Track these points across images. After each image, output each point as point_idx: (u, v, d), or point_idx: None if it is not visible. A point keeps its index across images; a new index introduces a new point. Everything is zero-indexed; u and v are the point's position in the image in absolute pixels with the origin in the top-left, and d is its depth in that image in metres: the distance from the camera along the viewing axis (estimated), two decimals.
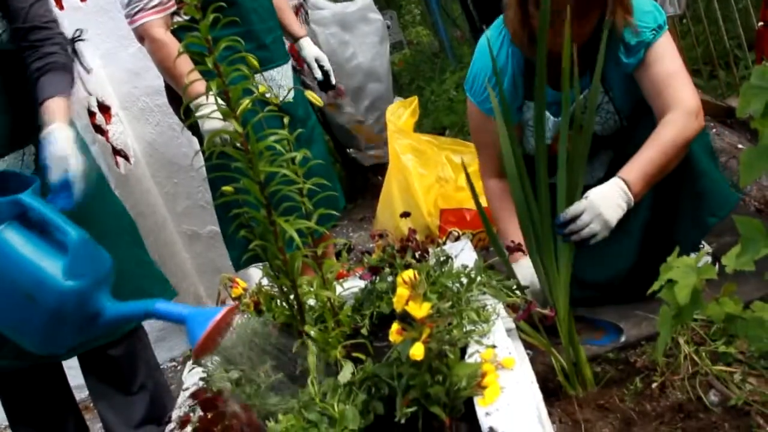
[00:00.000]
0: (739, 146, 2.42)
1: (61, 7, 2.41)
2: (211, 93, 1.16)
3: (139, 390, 1.85)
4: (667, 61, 1.64)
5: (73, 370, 1.89)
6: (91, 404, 2.39)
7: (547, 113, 1.76)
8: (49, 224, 1.24)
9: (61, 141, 1.42)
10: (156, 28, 1.92)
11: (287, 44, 2.39)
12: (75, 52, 2.13)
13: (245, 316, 1.36)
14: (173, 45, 1.91)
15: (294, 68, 2.31)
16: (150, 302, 1.24)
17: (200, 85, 1.55)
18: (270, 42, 2.09)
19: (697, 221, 1.71)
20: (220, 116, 1.19)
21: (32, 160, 1.60)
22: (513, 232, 1.66)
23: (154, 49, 1.94)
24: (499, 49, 1.75)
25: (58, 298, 1.20)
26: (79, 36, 2.08)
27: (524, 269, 1.62)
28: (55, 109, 1.48)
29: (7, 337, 1.61)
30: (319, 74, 2.37)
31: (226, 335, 1.20)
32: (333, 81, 2.43)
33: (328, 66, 2.40)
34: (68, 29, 2.39)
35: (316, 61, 2.38)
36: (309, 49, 2.38)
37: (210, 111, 1.20)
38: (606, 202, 1.48)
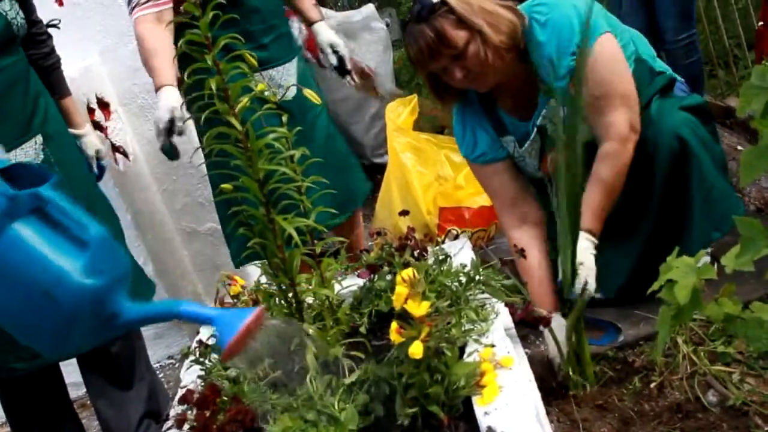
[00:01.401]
0: (739, 147, 2.41)
1: (61, 3, 2.40)
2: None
3: (138, 385, 1.86)
4: (594, 86, 1.60)
5: (69, 367, 1.89)
6: (89, 401, 2.39)
7: (516, 144, 1.79)
8: (69, 219, 1.19)
9: (94, 140, 1.80)
10: (142, 24, 1.89)
11: (304, 31, 2.36)
12: None
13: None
14: (150, 40, 1.88)
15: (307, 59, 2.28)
16: (175, 303, 1.20)
17: (162, 78, 1.82)
18: (269, 41, 2.07)
19: (703, 235, 1.71)
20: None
21: (41, 149, 1.65)
22: (541, 293, 1.67)
23: (138, 45, 1.93)
24: (462, 109, 1.83)
25: (77, 296, 1.15)
26: (55, 23, 2.06)
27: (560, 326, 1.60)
28: (75, 110, 1.80)
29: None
30: (333, 60, 2.28)
31: (256, 337, 1.15)
32: (348, 66, 2.31)
33: (343, 51, 2.29)
34: (69, 25, 2.39)
35: (331, 46, 2.29)
36: (324, 35, 2.30)
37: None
38: (590, 259, 1.59)
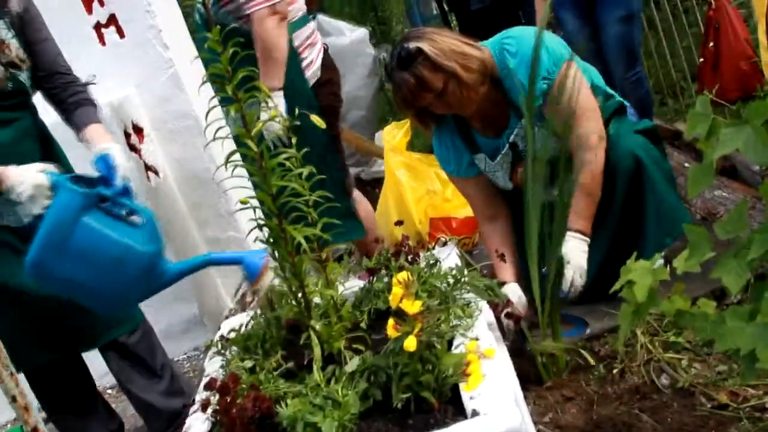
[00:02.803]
0: (686, 165, 2.42)
1: (103, 44, 2.40)
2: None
3: (162, 369, 1.86)
4: (565, 104, 1.59)
5: (98, 359, 1.87)
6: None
7: (488, 159, 1.79)
8: (126, 206, 1.39)
9: (123, 155, 1.55)
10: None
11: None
12: None
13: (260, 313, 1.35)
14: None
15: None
16: (206, 255, 1.44)
17: None
18: None
19: (657, 240, 1.70)
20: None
21: None
22: (503, 267, 1.71)
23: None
24: (439, 133, 1.83)
25: (140, 260, 1.33)
26: (92, 81, 2.03)
27: (513, 290, 1.66)
28: (101, 131, 1.60)
29: (42, 334, 1.65)
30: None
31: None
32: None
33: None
34: (111, 61, 2.39)
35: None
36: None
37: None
38: (580, 257, 1.61)
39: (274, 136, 1.92)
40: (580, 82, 1.63)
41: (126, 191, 1.47)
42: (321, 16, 3.48)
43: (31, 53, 1.60)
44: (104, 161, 1.51)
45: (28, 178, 1.39)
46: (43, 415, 1.87)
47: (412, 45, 1.57)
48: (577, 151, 1.62)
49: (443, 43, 1.59)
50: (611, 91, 1.82)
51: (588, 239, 1.62)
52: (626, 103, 1.84)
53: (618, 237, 1.72)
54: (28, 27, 1.59)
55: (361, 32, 3.53)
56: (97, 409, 1.85)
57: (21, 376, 1.58)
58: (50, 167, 1.44)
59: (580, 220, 1.62)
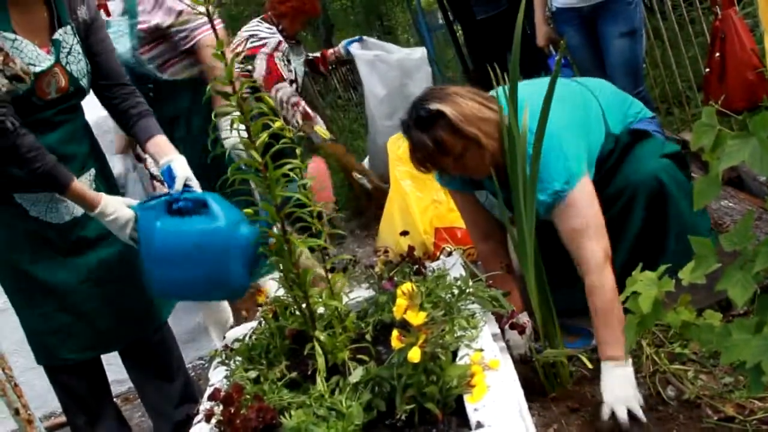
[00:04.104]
0: (693, 175, 2.41)
1: None
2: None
3: (177, 374, 1.86)
4: (570, 219, 1.51)
5: (113, 366, 1.88)
6: (131, 395, 2.37)
7: (490, 197, 1.75)
8: (190, 200, 1.50)
9: (185, 165, 1.64)
10: None
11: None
12: None
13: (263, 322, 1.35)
14: None
15: None
16: None
17: None
18: None
19: (674, 265, 1.65)
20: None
21: (92, 180, 1.69)
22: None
23: None
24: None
25: (216, 236, 1.41)
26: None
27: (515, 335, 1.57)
28: (164, 144, 1.68)
29: (72, 332, 1.67)
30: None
31: None
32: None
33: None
34: None
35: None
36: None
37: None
38: (619, 389, 1.41)
39: (232, 148, 1.97)
40: (592, 201, 1.53)
41: (188, 191, 1.59)
42: (368, 39, 3.77)
43: (93, 62, 1.65)
44: (169, 173, 1.62)
45: (120, 212, 1.55)
46: (51, 422, 1.87)
47: (433, 106, 1.50)
48: (584, 272, 1.51)
49: (466, 107, 1.51)
50: (632, 116, 1.75)
51: (624, 361, 1.43)
52: (650, 113, 1.81)
53: (632, 259, 1.67)
54: (93, 36, 1.64)
55: (422, 50, 3.78)
56: (108, 416, 1.85)
57: (23, 387, 1.61)
58: (134, 201, 1.61)
59: (607, 348, 1.45)
